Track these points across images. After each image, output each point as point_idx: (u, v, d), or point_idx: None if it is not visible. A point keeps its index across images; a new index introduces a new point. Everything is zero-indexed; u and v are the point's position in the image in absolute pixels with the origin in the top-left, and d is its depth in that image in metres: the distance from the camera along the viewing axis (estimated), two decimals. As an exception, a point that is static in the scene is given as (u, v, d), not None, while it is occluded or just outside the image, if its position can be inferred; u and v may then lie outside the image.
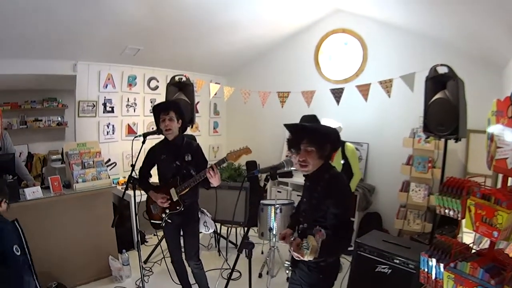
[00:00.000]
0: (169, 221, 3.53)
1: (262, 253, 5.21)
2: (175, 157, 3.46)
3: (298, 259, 2.17)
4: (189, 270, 3.80)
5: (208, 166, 3.27)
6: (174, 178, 3.43)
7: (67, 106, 7.48)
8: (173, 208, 3.45)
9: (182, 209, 3.43)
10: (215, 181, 3.22)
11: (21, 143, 6.93)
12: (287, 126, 2.43)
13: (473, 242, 2.06)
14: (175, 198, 3.40)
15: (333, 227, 2.22)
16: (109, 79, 5.80)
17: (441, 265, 1.99)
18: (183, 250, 3.75)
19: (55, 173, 4.32)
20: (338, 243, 2.25)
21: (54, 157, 5.73)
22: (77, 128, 5.64)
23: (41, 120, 7.20)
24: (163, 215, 3.51)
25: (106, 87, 5.80)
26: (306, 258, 2.08)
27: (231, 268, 2.49)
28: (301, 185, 5.71)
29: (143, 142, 3.37)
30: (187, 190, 3.37)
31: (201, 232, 3.74)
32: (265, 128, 7.00)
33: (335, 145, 2.43)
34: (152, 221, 3.62)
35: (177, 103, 3.76)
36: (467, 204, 1.79)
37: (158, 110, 3.46)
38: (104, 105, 5.84)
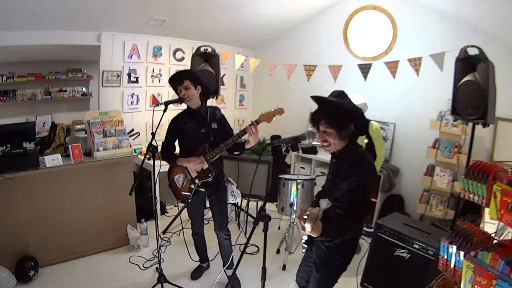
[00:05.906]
0: (202, 190, 3.48)
1: (279, 228, 5.22)
2: (200, 125, 3.42)
3: (303, 230, 2.14)
4: (211, 243, 3.82)
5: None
6: (201, 146, 3.39)
7: (92, 77, 7.51)
8: (205, 177, 3.42)
9: (213, 176, 3.40)
10: (253, 138, 3.18)
11: (45, 113, 7.02)
12: (313, 98, 2.36)
13: (495, 232, 1.97)
14: (205, 166, 3.36)
15: (350, 204, 2.19)
16: (134, 49, 5.78)
17: (461, 253, 1.92)
18: (205, 222, 3.76)
19: (78, 143, 4.34)
20: (346, 222, 2.21)
21: (78, 127, 5.75)
22: (101, 98, 5.68)
23: (65, 91, 7.23)
24: (192, 186, 3.46)
25: (131, 57, 5.79)
26: (307, 227, 2.05)
27: (246, 241, 2.48)
28: (325, 162, 5.70)
29: (164, 111, 3.30)
30: (217, 156, 3.36)
31: (229, 203, 3.74)
32: (291, 103, 6.82)
33: (360, 126, 2.32)
34: (183, 192, 3.52)
35: (189, 71, 3.72)
36: (492, 190, 1.70)
37: (173, 83, 3.43)
38: (129, 75, 5.85)
